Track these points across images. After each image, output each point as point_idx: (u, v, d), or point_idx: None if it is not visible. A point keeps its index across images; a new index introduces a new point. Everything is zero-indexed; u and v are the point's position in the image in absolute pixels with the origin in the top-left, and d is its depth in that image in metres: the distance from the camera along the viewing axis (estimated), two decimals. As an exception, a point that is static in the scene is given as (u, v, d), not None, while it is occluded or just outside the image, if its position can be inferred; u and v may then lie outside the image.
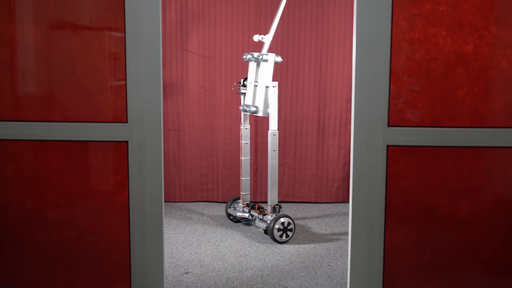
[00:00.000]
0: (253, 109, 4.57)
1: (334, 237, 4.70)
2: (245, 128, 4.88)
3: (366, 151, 2.46)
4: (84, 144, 2.55)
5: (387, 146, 2.46)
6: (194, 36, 5.50)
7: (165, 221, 5.01)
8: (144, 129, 2.49)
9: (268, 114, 4.53)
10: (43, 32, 2.52)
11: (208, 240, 4.56)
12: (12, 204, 2.64)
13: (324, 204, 5.72)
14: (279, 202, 4.86)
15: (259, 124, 5.64)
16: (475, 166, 2.50)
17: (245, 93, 4.75)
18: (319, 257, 4.22)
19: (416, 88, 2.45)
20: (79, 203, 2.60)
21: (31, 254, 2.65)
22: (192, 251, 4.31)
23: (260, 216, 4.68)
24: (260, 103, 4.54)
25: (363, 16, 2.39)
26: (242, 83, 4.80)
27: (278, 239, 4.48)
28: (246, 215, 4.86)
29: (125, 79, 2.47)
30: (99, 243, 2.62)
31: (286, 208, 5.56)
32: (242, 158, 4.90)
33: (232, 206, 5.08)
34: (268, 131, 4.57)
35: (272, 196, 4.61)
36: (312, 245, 4.48)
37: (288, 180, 5.74)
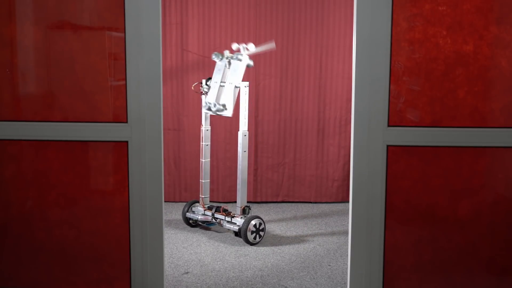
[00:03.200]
0: (218, 107, 4.38)
1: (334, 237, 4.70)
2: (206, 130, 4.72)
3: (366, 151, 2.46)
4: (84, 144, 2.55)
5: (387, 146, 2.46)
6: (194, 36, 5.50)
7: (165, 221, 5.01)
8: (144, 129, 2.49)
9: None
10: (43, 32, 2.52)
11: (208, 240, 4.56)
12: (12, 204, 2.64)
13: (324, 204, 5.72)
14: (249, 202, 4.85)
15: (259, 124, 5.64)
16: (475, 166, 2.50)
17: (207, 92, 4.60)
18: (319, 257, 4.22)
19: (416, 88, 2.45)
20: (79, 203, 2.60)
21: (31, 254, 2.65)
22: (192, 251, 4.31)
23: (228, 219, 4.56)
24: (229, 103, 4.39)
25: (363, 16, 2.39)
26: (205, 83, 4.65)
27: (252, 240, 4.43)
28: (209, 218, 4.70)
29: (125, 79, 2.46)
30: (99, 243, 2.62)
31: (286, 208, 5.56)
32: (203, 160, 4.75)
33: (190, 210, 4.89)
34: (239, 132, 4.50)
35: (242, 198, 4.55)
36: (312, 245, 4.48)
37: (288, 180, 5.74)
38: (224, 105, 4.38)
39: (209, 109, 4.52)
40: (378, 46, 2.40)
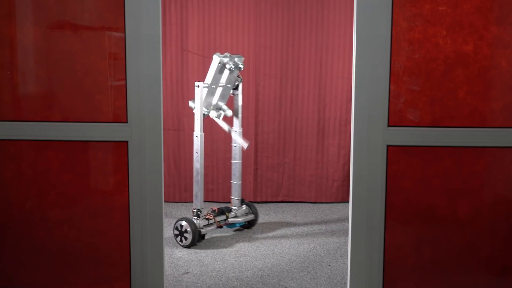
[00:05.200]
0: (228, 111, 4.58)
1: (334, 237, 4.70)
2: (235, 131, 4.72)
3: (366, 151, 2.46)
4: (84, 144, 2.55)
5: (387, 146, 2.46)
6: (194, 36, 5.50)
7: (165, 221, 5.01)
8: (144, 129, 2.49)
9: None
10: (43, 32, 2.52)
11: (208, 240, 4.56)
12: (12, 204, 2.64)
13: (324, 204, 5.72)
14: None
15: (259, 124, 5.64)
16: (475, 166, 2.50)
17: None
18: (319, 257, 4.22)
19: (416, 88, 2.45)
20: (79, 203, 2.60)
21: (31, 254, 2.65)
22: (192, 251, 4.31)
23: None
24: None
25: (363, 16, 2.39)
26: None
27: (176, 240, 4.43)
28: (240, 220, 4.76)
29: (125, 79, 2.46)
30: (99, 243, 2.62)
31: (286, 208, 5.56)
32: (233, 162, 4.77)
33: None
34: (194, 133, 4.51)
35: (196, 200, 4.50)
36: (312, 245, 4.48)
37: (288, 180, 5.74)
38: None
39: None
40: (378, 46, 2.40)
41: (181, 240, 4.40)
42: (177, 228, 4.42)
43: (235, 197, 4.81)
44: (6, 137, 2.57)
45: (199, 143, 4.50)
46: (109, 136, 2.52)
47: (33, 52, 2.55)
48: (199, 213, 4.48)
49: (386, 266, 2.54)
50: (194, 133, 4.52)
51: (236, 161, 4.77)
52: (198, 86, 4.44)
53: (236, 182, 4.80)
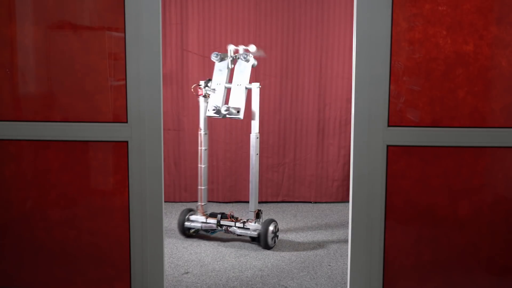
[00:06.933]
0: (231, 111, 4.22)
1: (334, 237, 4.70)
2: (205, 134, 4.49)
3: (366, 151, 2.46)
4: (84, 144, 2.55)
5: (387, 146, 2.46)
6: (194, 36, 5.50)
7: (165, 221, 5.01)
8: (144, 129, 2.49)
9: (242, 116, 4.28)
10: (43, 32, 2.52)
11: (208, 241, 4.56)
12: (12, 204, 2.64)
13: (324, 204, 5.72)
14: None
15: (259, 124, 5.63)
16: (475, 166, 2.50)
17: (209, 95, 4.42)
18: (319, 257, 4.22)
19: (416, 88, 2.45)
20: (79, 203, 2.60)
21: (32, 254, 2.65)
22: (192, 251, 4.31)
23: (240, 224, 4.36)
24: (243, 106, 4.27)
25: (363, 16, 2.39)
26: (205, 85, 4.43)
27: (271, 244, 4.32)
28: (214, 226, 4.45)
29: (125, 79, 2.47)
30: (99, 243, 2.62)
31: (286, 208, 5.56)
32: (201, 166, 4.53)
33: (187, 219, 4.56)
34: (251, 134, 4.34)
35: (254, 202, 4.39)
36: (312, 245, 4.48)
37: (288, 180, 5.74)
38: (238, 109, 4.24)
39: (217, 112, 4.29)
40: (378, 46, 2.40)
41: (273, 240, 4.39)
42: (273, 231, 4.34)
43: (205, 202, 4.62)
44: (6, 137, 2.57)
45: (258, 143, 4.37)
46: (109, 136, 2.52)
47: (33, 52, 2.55)
48: (261, 213, 4.44)
49: (386, 266, 2.54)
50: (251, 134, 4.34)
51: (203, 165, 4.54)
52: (258, 87, 4.34)
53: (203, 187, 4.59)
